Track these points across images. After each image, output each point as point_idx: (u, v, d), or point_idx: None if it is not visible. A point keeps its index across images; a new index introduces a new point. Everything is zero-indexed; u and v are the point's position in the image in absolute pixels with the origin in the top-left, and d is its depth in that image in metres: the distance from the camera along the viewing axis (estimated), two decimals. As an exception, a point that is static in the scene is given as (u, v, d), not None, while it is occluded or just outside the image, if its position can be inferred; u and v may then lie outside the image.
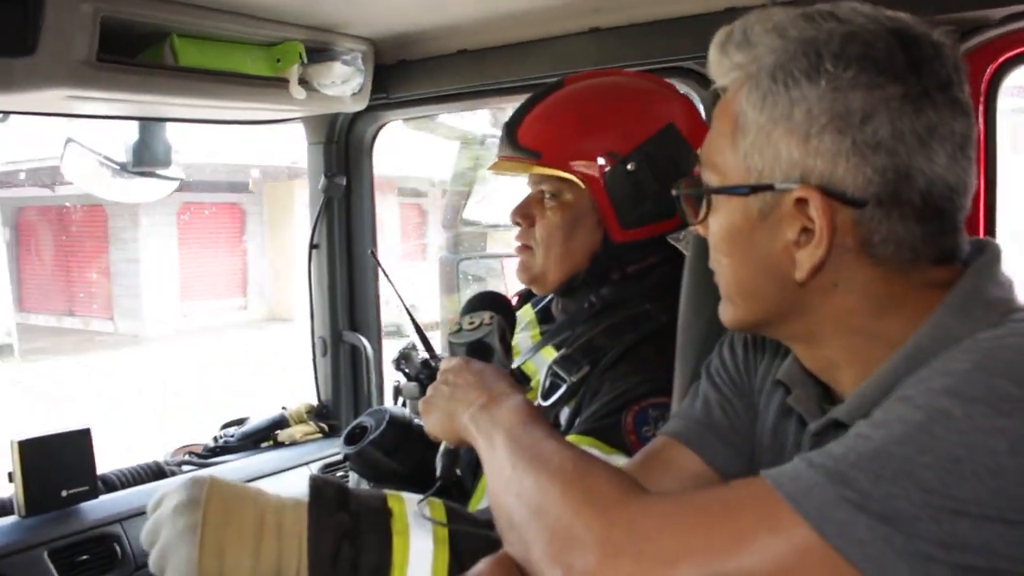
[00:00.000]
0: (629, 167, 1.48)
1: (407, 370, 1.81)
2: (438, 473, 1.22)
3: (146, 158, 2.23)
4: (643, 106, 1.55)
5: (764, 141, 0.83)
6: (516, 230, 1.61)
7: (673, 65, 1.74)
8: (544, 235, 1.54)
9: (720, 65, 0.89)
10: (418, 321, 1.73)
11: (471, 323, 1.29)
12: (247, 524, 1.05)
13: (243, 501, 1.07)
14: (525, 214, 1.57)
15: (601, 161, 1.49)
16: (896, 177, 0.79)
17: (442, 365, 1.19)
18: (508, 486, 0.89)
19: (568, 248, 1.53)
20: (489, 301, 1.41)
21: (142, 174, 2.28)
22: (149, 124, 2.18)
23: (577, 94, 1.57)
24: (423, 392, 1.75)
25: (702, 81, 1.70)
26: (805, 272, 0.84)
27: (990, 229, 1.56)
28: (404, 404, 1.84)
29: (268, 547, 1.06)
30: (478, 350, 1.25)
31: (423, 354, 1.80)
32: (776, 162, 0.83)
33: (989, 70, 1.54)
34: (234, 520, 1.05)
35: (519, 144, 1.53)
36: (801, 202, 0.82)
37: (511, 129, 1.55)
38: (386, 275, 1.81)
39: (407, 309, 1.54)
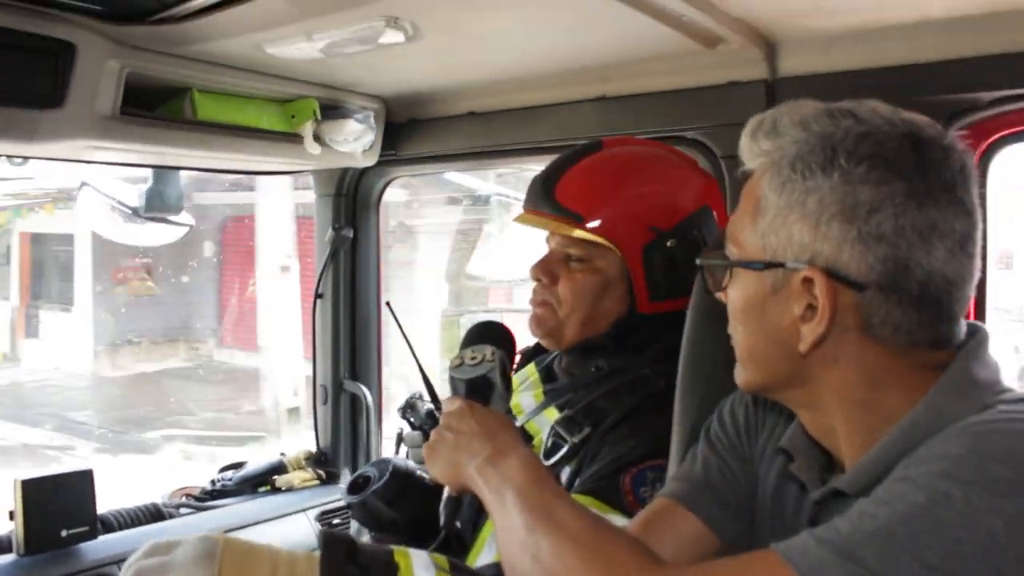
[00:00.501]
0: (669, 243, 1.49)
1: (412, 419, 1.83)
2: (442, 522, 1.23)
3: (158, 205, 2.27)
4: (686, 183, 1.57)
5: (780, 223, 0.91)
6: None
7: (678, 135, 1.79)
8: (570, 297, 1.52)
9: (750, 150, 0.96)
10: (426, 371, 1.76)
11: (473, 358, 1.29)
12: None
13: (257, 555, 1.09)
14: (549, 271, 1.55)
15: (643, 234, 1.49)
16: (896, 267, 0.85)
17: (444, 406, 1.21)
18: (523, 548, 0.91)
19: (594, 313, 1.53)
20: (489, 333, 1.42)
21: (153, 219, 2.32)
22: (163, 172, 2.23)
23: (621, 160, 1.56)
24: (425, 441, 1.77)
25: (705, 152, 1.75)
26: (807, 345, 0.90)
27: (980, 309, 1.59)
28: (407, 453, 1.86)
29: None
30: (480, 386, 1.26)
31: (429, 404, 1.82)
32: (789, 243, 0.90)
33: (979, 151, 1.59)
34: (248, 574, 1.07)
35: (557, 202, 1.51)
36: (808, 281, 0.88)
37: (548, 184, 1.54)
38: (399, 324, 1.86)
39: (416, 359, 1.56)
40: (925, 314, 0.87)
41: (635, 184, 1.53)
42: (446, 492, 1.23)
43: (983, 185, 1.59)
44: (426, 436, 1.76)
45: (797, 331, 0.91)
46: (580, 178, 1.53)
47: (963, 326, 0.92)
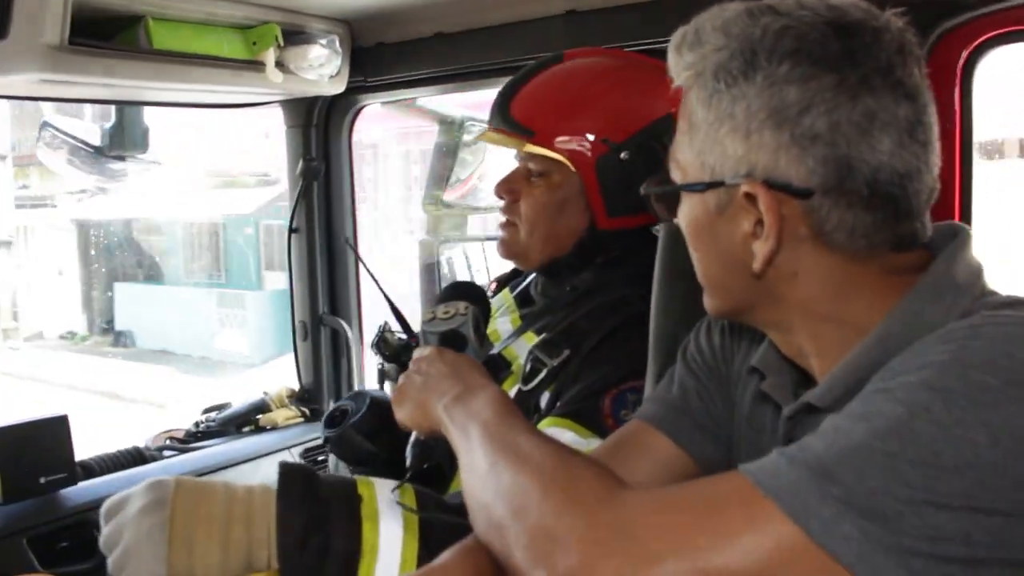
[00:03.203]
0: (622, 155, 1.45)
1: (387, 352, 1.80)
2: (407, 463, 1.21)
3: (123, 142, 2.21)
4: (643, 92, 1.50)
5: (713, 139, 0.86)
6: (489, 216, 1.60)
7: (651, 48, 1.73)
8: (530, 213, 1.51)
9: (676, 66, 0.91)
10: (395, 304, 1.73)
11: (446, 312, 1.28)
12: (215, 516, 1.05)
13: (210, 495, 1.07)
14: (510, 189, 1.54)
15: (595, 146, 1.46)
16: (838, 167, 0.80)
17: (415, 354, 1.18)
18: (485, 483, 0.88)
19: (553, 229, 1.51)
20: (465, 291, 1.40)
21: (119, 158, 2.26)
22: (125, 108, 2.16)
23: (576, 72, 1.53)
24: None
25: (680, 64, 1.69)
26: (760, 263, 0.86)
27: (965, 212, 1.56)
28: (391, 387, 1.83)
29: (237, 536, 1.06)
30: (451, 340, 1.24)
31: (401, 335, 1.79)
32: (724, 159, 0.85)
33: (965, 52, 1.54)
34: (202, 513, 1.05)
35: (512, 118, 1.49)
36: (750, 196, 0.84)
37: (504, 100, 1.52)
38: (361, 261, 1.82)
39: (384, 293, 1.53)
40: (879, 213, 0.82)
41: (587, 94, 1.49)
42: (413, 435, 1.21)
43: (968, 89, 1.56)
44: (404, 367, 1.73)
45: (750, 250, 0.86)
46: (534, 92, 1.50)
47: (928, 224, 0.87)
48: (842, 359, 0.86)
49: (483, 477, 0.89)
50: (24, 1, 1.46)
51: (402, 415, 1.14)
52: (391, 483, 1.12)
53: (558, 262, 1.53)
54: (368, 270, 1.59)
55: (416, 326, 1.81)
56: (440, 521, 1.10)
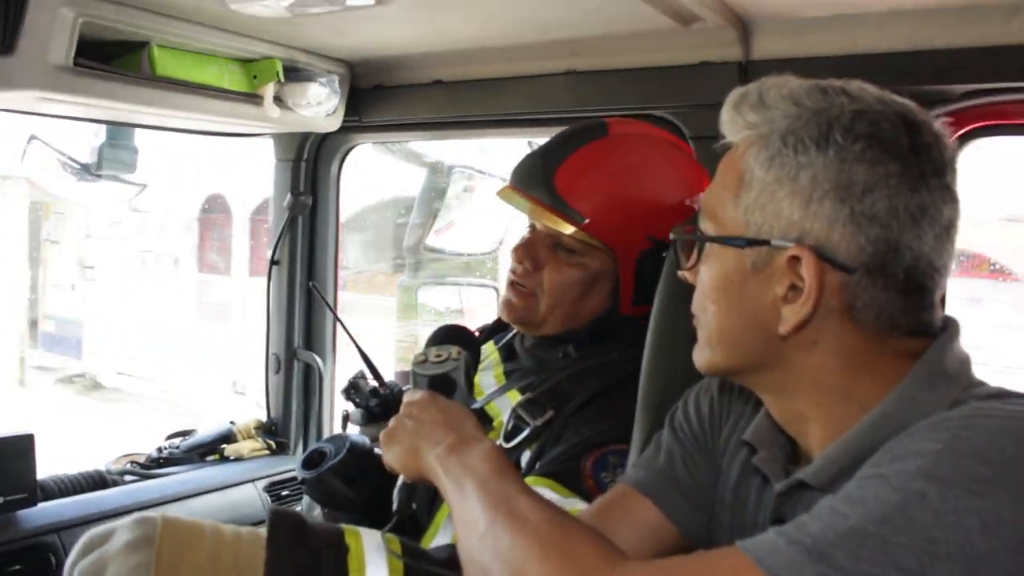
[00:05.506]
0: (664, 253, 1.42)
1: (357, 399, 1.79)
2: (394, 507, 1.20)
3: (111, 162, 2.20)
4: (684, 184, 1.51)
5: (767, 199, 0.88)
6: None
7: (647, 113, 1.77)
8: (555, 288, 1.49)
9: (733, 123, 0.93)
10: (365, 350, 1.72)
11: (438, 356, 1.27)
12: (202, 562, 1.02)
13: (198, 538, 1.04)
14: (533, 257, 1.50)
15: (641, 242, 1.46)
16: (886, 249, 0.84)
17: (406, 397, 1.18)
18: (483, 543, 0.88)
19: (578, 308, 1.50)
20: (455, 335, 1.39)
21: (105, 177, 2.25)
22: (118, 128, 2.16)
23: (627, 156, 1.49)
24: (370, 420, 1.73)
25: (674, 131, 1.73)
26: (789, 327, 0.87)
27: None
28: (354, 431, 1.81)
29: None
30: (441, 384, 1.23)
31: (372, 382, 1.79)
32: (776, 220, 0.87)
33: (947, 143, 1.59)
34: (189, 558, 1.02)
35: (557, 194, 1.45)
36: (794, 260, 0.86)
37: (547, 168, 1.47)
38: (329, 306, 1.79)
39: (353, 339, 1.52)
40: (908, 299, 0.86)
41: (640, 189, 1.47)
42: (401, 478, 1.20)
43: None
44: (370, 414, 1.72)
45: (777, 312, 0.88)
46: (583, 170, 1.47)
47: (939, 316, 0.90)
48: (839, 434, 0.88)
49: (480, 536, 0.89)
50: (33, 19, 1.46)
51: (390, 458, 1.14)
52: (376, 533, 1.11)
53: (568, 336, 1.52)
54: (336, 315, 1.56)
55: (388, 374, 1.81)
56: (426, 572, 1.09)
